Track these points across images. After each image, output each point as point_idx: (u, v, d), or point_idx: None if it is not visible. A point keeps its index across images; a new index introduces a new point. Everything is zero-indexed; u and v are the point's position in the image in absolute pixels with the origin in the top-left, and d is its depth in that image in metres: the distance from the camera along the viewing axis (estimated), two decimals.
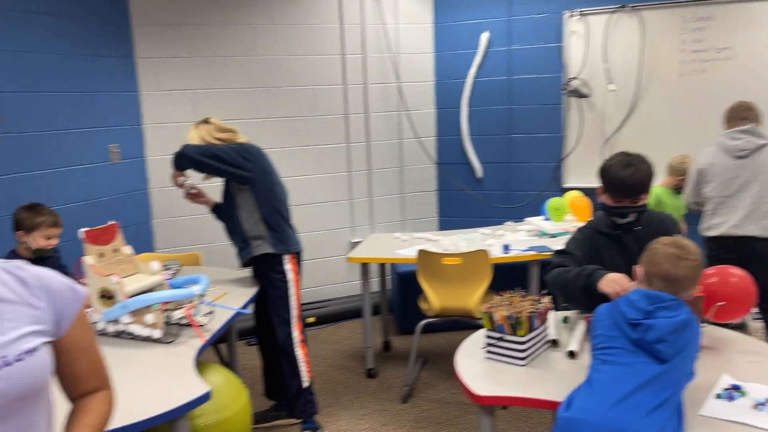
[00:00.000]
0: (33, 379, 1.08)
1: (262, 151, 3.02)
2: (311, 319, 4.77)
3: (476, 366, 2.17)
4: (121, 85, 4.19)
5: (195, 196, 3.16)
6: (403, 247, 3.92)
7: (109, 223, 2.51)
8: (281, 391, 3.30)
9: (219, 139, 2.95)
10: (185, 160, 2.91)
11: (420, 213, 5.35)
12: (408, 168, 5.25)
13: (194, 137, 2.94)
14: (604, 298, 2.05)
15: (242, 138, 3.04)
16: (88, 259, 2.37)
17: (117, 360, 2.13)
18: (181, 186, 3.09)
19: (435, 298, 3.47)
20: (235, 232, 3.05)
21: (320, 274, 4.99)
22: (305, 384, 3.07)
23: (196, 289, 2.43)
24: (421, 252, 3.45)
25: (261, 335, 3.28)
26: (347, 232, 5.12)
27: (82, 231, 2.38)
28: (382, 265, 4.35)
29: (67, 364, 1.19)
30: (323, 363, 4.15)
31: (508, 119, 5.05)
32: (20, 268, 1.15)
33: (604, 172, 2.29)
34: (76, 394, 1.24)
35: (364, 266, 3.85)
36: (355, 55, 4.92)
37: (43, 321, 1.12)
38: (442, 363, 4.07)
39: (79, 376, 1.22)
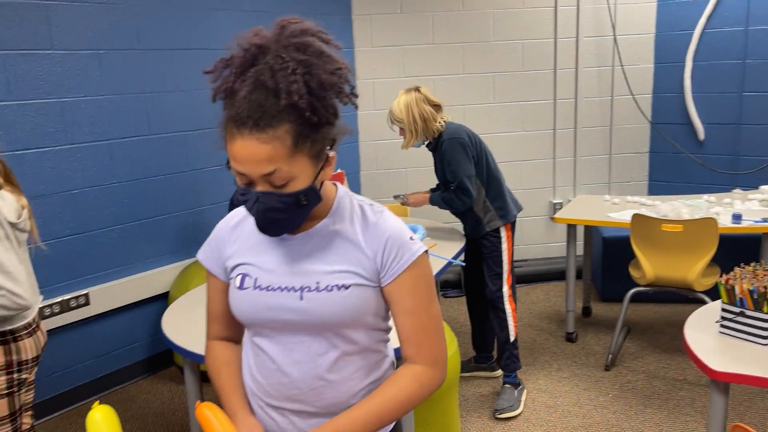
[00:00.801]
0: (335, 312, 1.17)
1: (469, 132, 3.02)
2: None
3: (708, 340, 2.02)
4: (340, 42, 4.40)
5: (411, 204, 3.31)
6: (613, 210, 3.72)
7: (338, 171, 2.68)
8: (485, 343, 3.38)
9: (423, 111, 2.97)
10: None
11: (628, 176, 5.03)
12: (618, 127, 4.94)
13: (402, 103, 2.99)
14: None
15: (445, 116, 3.05)
16: None
17: None
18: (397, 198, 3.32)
19: (649, 266, 3.27)
20: (465, 216, 3.12)
21: (517, 234, 4.93)
22: (512, 338, 3.10)
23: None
24: (637, 216, 3.25)
25: (470, 288, 3.34)
26: (548, 193, 4.99)
27: None
28: (588, 228, 4.19)
29: (393, 317, 1.24)
30: (520, 323, 4.14)
31: (740, 75, 4.51)
32: (376, 212, 1.22)
33: None
34: (403, 352, 1.24)
35: (570, 228, 3.73)
36: (568, 6, 4.68)
37: (366, 268, 1.18)
38: (648, 335, 3.85)
39: (400, 336, 1.23)
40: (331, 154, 1.15)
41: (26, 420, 2.14)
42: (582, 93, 4.82)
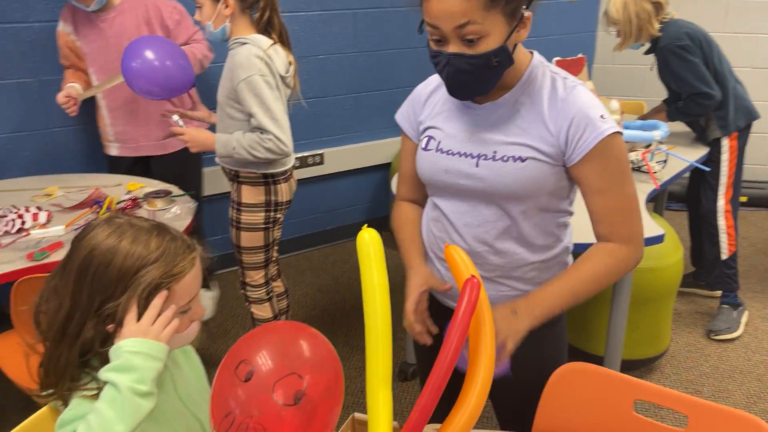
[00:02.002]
0: (508, 182, 1.16)
1: (691, 31, 2.63)
2: (743, 198, 4.29)
3: None
4: None
5: None
6: None
7: (579, 56, 2.54)
8: (702, 259, 3.15)
9: (640, 11, 2.61)
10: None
11: None
12: None
13: (619, 1, 2.66)
14: None
15: (672, 13, 2.66)
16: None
17: None
18: None
19: None
20: (692, 124, 2.85)
21: (762, 152, 4.36)
22: (723, 256, 2.86)
23: (655, 134, 2.36)
24: None
25: (691, 201, 3.10)
26: None
27: (556, 59, 2.47)
28: None
29: (583, 197, 1.21)
30: (752, 247, 3.76)
31: None
32: (568, 87, 1.16)
33: None
34: (595, 232, 1.22)
35: None
36: None
37: (549, 144, 1.15)
38: None
39: (591, 215, 1.21)
40: (527, 14, 1.09)
41: (277, 284, 2.46)
42: None
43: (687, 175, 2.91)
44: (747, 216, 4.22)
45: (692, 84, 2.62)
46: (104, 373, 0.91)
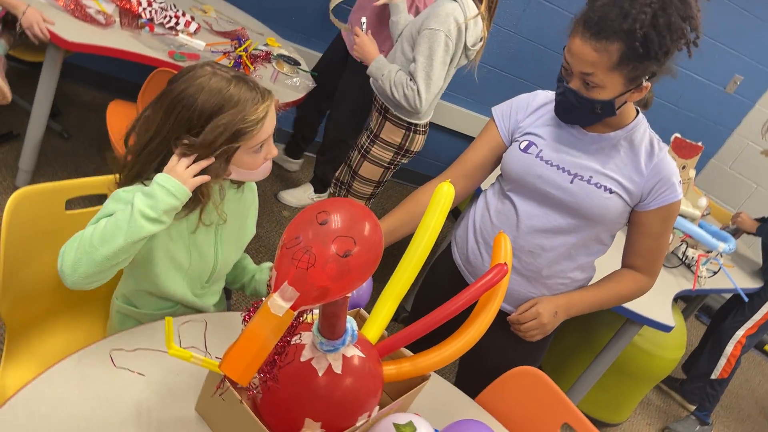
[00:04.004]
0: (591, 206, 1.37)
1: None
2: (767, 347, 4.33)
3: None
4: None
5: None
6: None
7: (699, 143, 2.63)
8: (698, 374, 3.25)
9: None
10: None
11: None
12: None
13: None
14: None
15: None
16: None
17: None
18: None
19: None
20: None
21: None
22: (714, 375, 2.94)
23: (721, 245, 2.47)
24: None
25: (718, 315, 3.17)
26: None
27: (676, 135, 2.57)
28: None
29: (633, 233, 1.45)
30: (748, 391, 3.83)
31: None
32: (662, 149, 1.39)
33: None
34: (625, 262, 1.50)
35: None
36: None
37: (636, 186, 1.37)
38: None
39: (633, 249, 1.46)
40: (645, 84, 1.26)
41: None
42: None
43: (728, 296, 2.99)
44: (763, 365, 4.26)
45: None
46: (136, 193, 1.10)
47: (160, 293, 1.29)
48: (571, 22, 1.27)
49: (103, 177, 1.30)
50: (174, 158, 1.13)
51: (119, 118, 2.21)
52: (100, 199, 1.24)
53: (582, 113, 1.32)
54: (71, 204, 1.30)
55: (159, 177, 1.10)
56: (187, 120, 1.12)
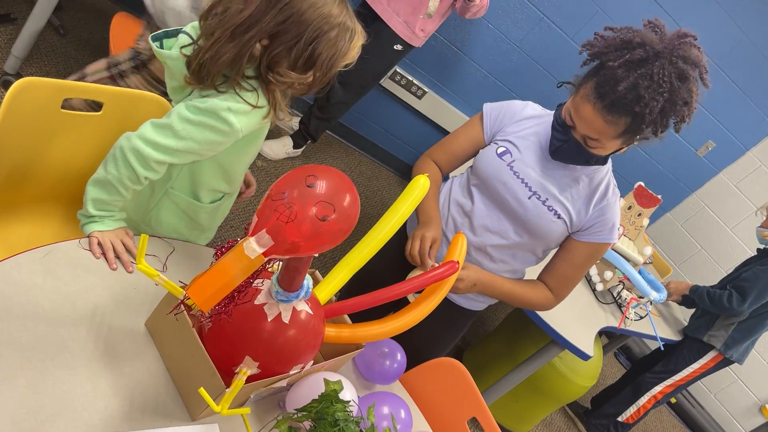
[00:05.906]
0: (537, 224, 1.50)
1: None
2: (673, 400, 4.59)
3: None
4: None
5: None
6: None
7: (659, 196, 2.78)
8: (602, 412, 3.43)
9: None
10: None
11: None
12: None
13: None
14: None
15: None
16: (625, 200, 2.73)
17: None
18: None
19: None
20: (701, 312, 3.04)
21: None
22: (620, 418, 3.15)
23: (653, 294, 2.63)
24: None
25: (643, 364, 3.35)
26: None
27: (638, 184, 2.72)
28: None
29: (558, 257, 1.59)
30: None
31: None
32: (614, 194, 1.52)
33: None
34: (541, 276, 1.63)
35: None
36: None
37: (579, 218, 1.51)
38: None
39: (553, 270, 1.60)
40: (632, 144, 1.39)
41: None
42: None
43: (654, 346, 3.14)
44: (666, 415, 4.51)
45: (751, 284, 2.79)
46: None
47: (229, 180, 1.38)
48: (581, 82, 1.35)
49: (106, 87, 1.34)
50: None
51: (123, 32, 2.21)
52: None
53: (576, 159, 1.45)
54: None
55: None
56: (287, 21, 1.11)
